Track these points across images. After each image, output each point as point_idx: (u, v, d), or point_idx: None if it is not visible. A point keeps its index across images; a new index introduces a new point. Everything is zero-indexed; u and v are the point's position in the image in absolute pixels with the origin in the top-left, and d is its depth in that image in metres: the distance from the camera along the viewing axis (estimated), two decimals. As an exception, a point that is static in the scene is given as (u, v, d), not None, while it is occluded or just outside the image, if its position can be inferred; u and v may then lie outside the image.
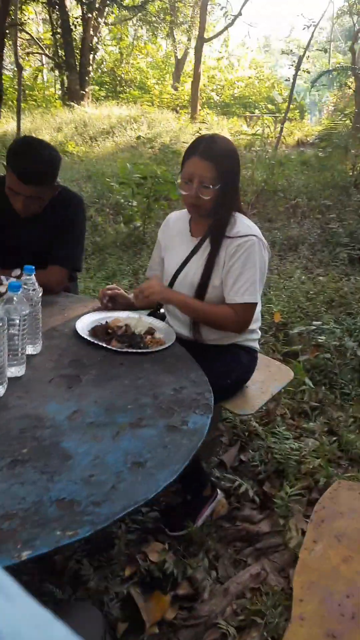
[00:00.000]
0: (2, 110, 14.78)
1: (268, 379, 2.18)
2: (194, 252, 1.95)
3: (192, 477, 2.05)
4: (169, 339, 1.83)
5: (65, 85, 16.69)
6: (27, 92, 21.60)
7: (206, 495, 2.09)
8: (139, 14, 18.70)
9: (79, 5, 15.98)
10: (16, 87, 20.31)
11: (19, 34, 19.67)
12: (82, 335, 1.76)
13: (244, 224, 1.86)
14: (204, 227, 1.94)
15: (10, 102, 17.33)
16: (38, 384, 1.50)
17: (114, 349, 1.71)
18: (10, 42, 21.34)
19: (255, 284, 1.82)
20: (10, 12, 10.67)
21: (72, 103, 15.16)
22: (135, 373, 1.61)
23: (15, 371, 1.52)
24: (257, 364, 2.15)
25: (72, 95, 15.93)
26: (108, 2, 16.08)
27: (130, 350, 1.71)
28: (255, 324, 2.02)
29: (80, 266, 2.27)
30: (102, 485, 1.14)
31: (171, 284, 2.01)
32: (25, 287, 1.61)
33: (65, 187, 2.24)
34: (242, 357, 2.00)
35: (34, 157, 1.98)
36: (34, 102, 20.50)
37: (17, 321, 1.46)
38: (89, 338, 1.75)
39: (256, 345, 2.07)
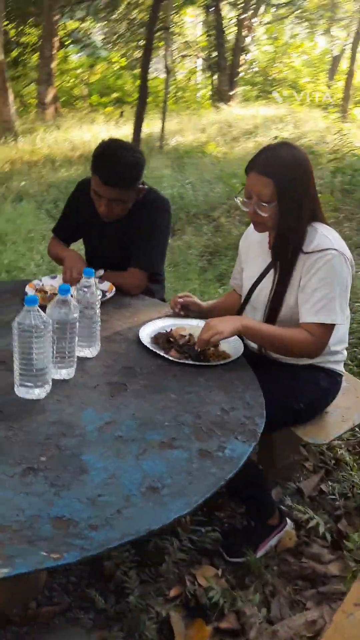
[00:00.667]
0: (151, 112, 15.29)
1: (355, 406, 1.96)
2: (270, 266, 1.80)
3: (256, 502, 1.91)
4: (236, 352, 1.71)
5: (215, 87, 16.85)
6: (179, 94, 22.19)
7: (272, 524, 1.93)
8: (296, 11, 18.33)
9: (234, 8, 16.04)
10: (169, 89, 20.97)
11: (174, 38, 20.25)
12: (142, 342, 1.71)
13: (323, 237, 1.67)
14: None
15: (162, 104, 17.89)
16: (82, 389, 1.47)
17: (170, 358, 1.63)
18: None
19: (334, 302, 1.63)
20: (163, 15, 10.98)
21: (219, 104, 15.26)
22: (185, 387, 1.51)
23: (65, 374, 1.51)
24: (341, 389, 1.95)
25: (220, 96, 16.05)
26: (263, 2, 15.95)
27: (187, 361, 1.62)
28: (340, 344, 1.83)
29: (159, 269, 2.22)
30: (108, 507, 1.07)
31: (246, 300, 1.88)
32: (84, 290, 1.58)
33: (152, 188, 2.20)
34: (321, 379, 1.82)
35: (116, 159, 1.96)
36: (185, 104, 20.99)
37: (65, 324, 1.44)
38: (148, 345, 1.68)
39: (340, 368, 1.87)
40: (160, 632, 1.63)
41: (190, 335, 1.74)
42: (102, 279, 2.16)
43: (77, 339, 1.51)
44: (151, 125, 14.03)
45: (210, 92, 19.32)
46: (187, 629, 1.65)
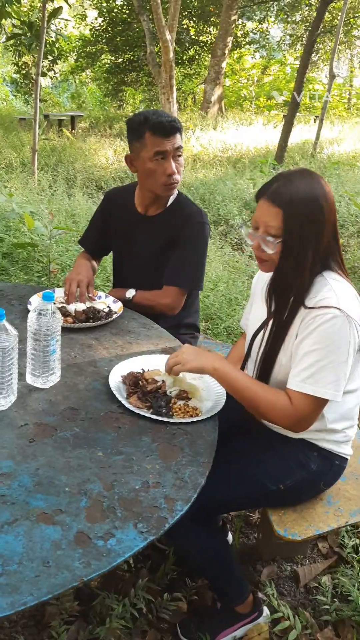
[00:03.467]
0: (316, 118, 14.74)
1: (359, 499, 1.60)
2: (271, 316, 1.51)
3: (223, 583, 1.64)
4: (210, 410, 1.46)
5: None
6: (353, 101, 21.19)
7: (241, 612, 1.65)
8: None
9: None
10: (340, 95, 20.11)
11: (356, 41, 19.31)
12: (109, 379, 1.53)
13: (329, 291, 1.36)
14: None
15: (330, 112, 17.20)
16: (5, 427, 1.33)
17: (126, 405, 1.43)
18: (349, 49, 21.21)
19: (325, 372, 1.32)
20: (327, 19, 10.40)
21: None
22: (121, 445, 1.31)
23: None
24: (352, 475, 1.62)
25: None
26: None
27: (142, 412, 1.41)
28: (342, 422, 1.49)
29: (199, 285, 2.04)
30: None
31: (248, 350, 1.62)
32: (41, 314, 1.43)
33: (189, 199, 2.05)
34: (312, 460, 1.50)
35: (161, 113, 1.90)
36: (356, 111, 19.99)
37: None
38: (111, 385, 1.50)
39: (342, 449, 1.53)
40: None
41: (163, 382, 1.53)
42: (131, 300, 2.02)
43: (15, 368, 1.37)
44: (311, 132, 13.53)
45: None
46: None
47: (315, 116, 15.68)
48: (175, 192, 2.05)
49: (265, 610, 1.70)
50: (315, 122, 14.50)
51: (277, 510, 1.52)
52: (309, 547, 1.98)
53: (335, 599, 1.78)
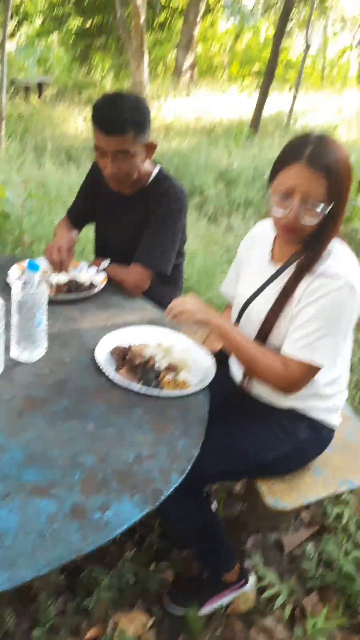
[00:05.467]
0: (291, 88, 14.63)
1: (348, 469, 1.62)
2: (269, 281, 1.49)
3: (211, 551, 1.65)
4: (199, 383, 1.45)
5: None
6: (326, 72, 21.06)
7: (228, 580, 1.67)
8: None
9: None
10: (313, 66, 19.97)
11: (328, 9, 19.12)
12: (96, 352, 1.49)
13: (337, 260, 1.34)
14: (290, 252, 1.46)
15: (305, 82, 17.04)
16: (-8, 400, 1.29)
17: (114, 380, 1.40)
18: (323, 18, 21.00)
19: (325, 340, 1.32)
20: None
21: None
22: (113, 418, 1.29)
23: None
24: (342, 444, 1.64)
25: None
26: None
27: (130, 386, 1.38)
28: (332, 387, 1.49)
29: (165, 268, 1.94)
30: None
31: (239, 317, 1.59)
32: (26, 284, 1.39)
33: (168, 176, 1.95)
34: (301, 430, 1.50)
35: (116, 104, 1.73)
36: (330, 82, 19.87)
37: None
38: (98, 358, 1.47)
39: (330, 419, 1.53)
40: None
41: (151, 357, 1.50)
42: (104, 270, 1.96)
43: (1, 340, 1.33)
44: (285, 102, 13.40)
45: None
46: None
47: (290, 87, 15.55)
48: (156, 168, 1.95)
49: (252, 578, 1.72)
50: (289, 91, 14.37)
51: (266, 481, 1.53)
52: (290, 516, 2.01)
53: (319, 566, 1.81)
